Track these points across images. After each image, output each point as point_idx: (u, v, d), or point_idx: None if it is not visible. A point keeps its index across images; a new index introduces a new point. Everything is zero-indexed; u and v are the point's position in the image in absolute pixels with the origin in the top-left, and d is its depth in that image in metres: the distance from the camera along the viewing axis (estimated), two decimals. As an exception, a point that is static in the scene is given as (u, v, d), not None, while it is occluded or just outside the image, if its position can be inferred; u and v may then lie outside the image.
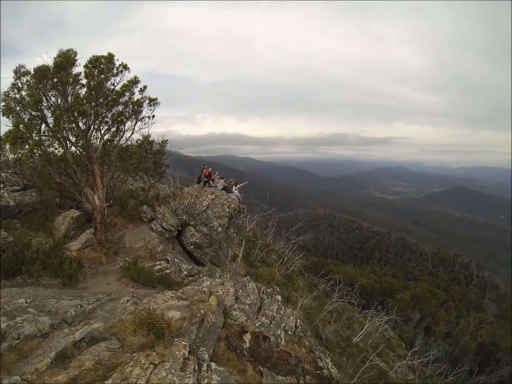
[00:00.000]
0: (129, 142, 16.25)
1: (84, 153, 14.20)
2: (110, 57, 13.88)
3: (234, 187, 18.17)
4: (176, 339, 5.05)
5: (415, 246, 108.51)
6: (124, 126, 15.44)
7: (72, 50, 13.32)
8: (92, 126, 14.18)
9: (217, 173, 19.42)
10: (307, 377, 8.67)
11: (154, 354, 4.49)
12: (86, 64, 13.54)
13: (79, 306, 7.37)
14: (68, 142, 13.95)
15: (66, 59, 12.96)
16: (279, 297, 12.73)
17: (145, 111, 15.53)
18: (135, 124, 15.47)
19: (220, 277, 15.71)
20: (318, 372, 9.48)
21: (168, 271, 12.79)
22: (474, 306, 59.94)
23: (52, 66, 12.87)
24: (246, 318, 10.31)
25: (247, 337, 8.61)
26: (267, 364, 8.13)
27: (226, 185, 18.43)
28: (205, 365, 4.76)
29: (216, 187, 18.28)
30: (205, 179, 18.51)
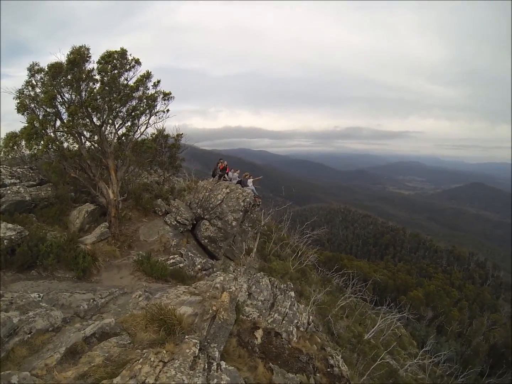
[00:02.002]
0: (143, 136, 16.30)
1: (99, 148, 14.30)
2: (123, 52, 13.88)
3: (249, 180, 18.11)
4: (187, 336, 5.03)
5: (430, 242, 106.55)
6: (139, 120, 15.46)
7: (84, 46, 13.37)
8: (106, 121, 14.25)
9: (232, 169, 19.35)
10: (318, 374, 8.59)
11: (164, 351, 4.46)
12: (99, 59, 13.61)
13: (91, 300, 7.42)
14: (82, 137, 14.10)
15: (79, 55, 13.02)
16: (292, 293, 12.63)
17: (159, 105, 15.57)
18: (149, 119, 15.49)
19: (234, 271, 15.70)
20: (329, 369, 9.39)
21: (181, 265, 12.80)
22: (488, 307, 58.90)
23: (65, 63, 12.93)
24: (258, 314, 10.26)
25: (259, 333, 8.57)
26: (278, 361, 8.08)
27: (241, 178, 18.39)
28: (215, 364, 4.71)
29: (231, 180, 18.25)
30: (220, 172, 18.51)
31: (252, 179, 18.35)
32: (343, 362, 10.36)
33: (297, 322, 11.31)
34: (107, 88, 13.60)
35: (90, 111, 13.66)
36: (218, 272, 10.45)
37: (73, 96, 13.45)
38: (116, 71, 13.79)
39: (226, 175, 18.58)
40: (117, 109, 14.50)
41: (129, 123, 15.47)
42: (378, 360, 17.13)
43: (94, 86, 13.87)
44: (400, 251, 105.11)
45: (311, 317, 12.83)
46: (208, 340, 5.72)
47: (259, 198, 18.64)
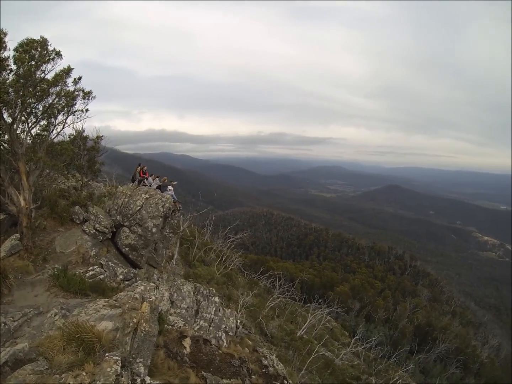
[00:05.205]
0: (60, 137, 15.15)
1: (9, 148, 12.84)
2: (43, 42, 12.58)
3: (168, 186, 17.97)
4: (107, 354, 4.78)
5: (352, 241, 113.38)
6: (55, 119, 14.22)
7: (2, 30, 11.80)
8: (18, 118, 12.81)
9: (153, 175, 19.02)
10: (253, 377, 8.77)
11: (84, 373, 4.22)
12: (16, 47, 12.05)
13: (3, 324, 6.68)
14: (-11, 135, 12.57)
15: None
16: (216, 299, 12.67)
17: (79, 104, 14.48)
18: (66, 118, 14.35)
19: (158, 279, 15.27)
20: (263, 370, 9.62)
21: (102, 276, 12.08)
22: (409, 293, 66.51)
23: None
24: (184, 322, 10.13)
25: (186, 342, 8.46)
26: (210, 368, 8.08)
27: (160, 184, 18.12)
28: (139, 380, 4.55)
29: (150, 185, 17.89)
30: (139, 177, 18.03)
31: (171, 184, 18.22)
32: (278, 361, 10.68)
33: (225, 327, 11.39)
34: (22, 80, 12.18)
35: (0, 105, 12.23)
36: (139, 282, 10.13)
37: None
38: (33, 62, 12.45)
39: (145, 180, 18.21)
40: (32, 105, 13.14)
41: (44, 122, 14.11)
42: (313, 353, 18.04)
43: (8, 77, 12.36)
44: (324, 251, 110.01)
45: (239, 320, 12.98)
46: (133, 355, 5.51)
47: (179, 203, 18.63)
